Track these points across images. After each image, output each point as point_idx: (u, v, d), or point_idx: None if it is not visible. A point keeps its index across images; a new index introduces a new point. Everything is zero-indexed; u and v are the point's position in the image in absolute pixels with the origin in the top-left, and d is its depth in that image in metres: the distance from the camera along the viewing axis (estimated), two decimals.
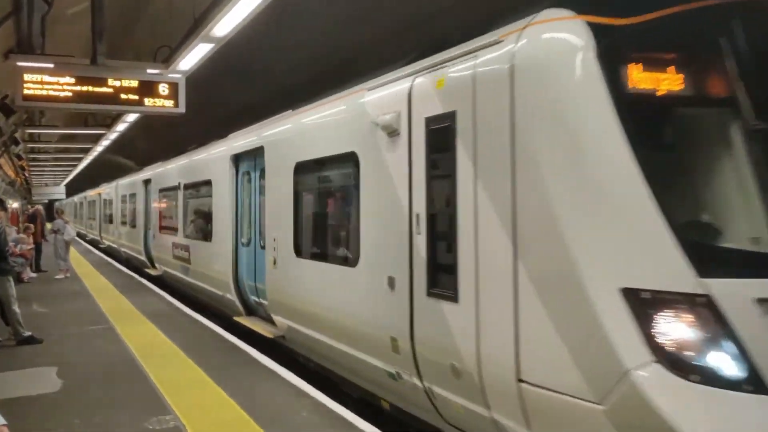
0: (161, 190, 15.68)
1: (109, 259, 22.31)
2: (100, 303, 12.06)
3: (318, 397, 5.96)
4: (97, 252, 26.41)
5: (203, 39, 7.26)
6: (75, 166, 35.30)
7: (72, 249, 19.04)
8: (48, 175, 47.10)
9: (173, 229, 13.99)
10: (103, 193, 28.44)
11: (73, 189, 50.58)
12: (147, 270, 17.43)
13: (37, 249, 18.14)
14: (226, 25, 6.87)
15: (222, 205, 10.38)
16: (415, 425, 5.55)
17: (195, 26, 7.35)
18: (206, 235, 11.48)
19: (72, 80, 6.68)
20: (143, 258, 17.89)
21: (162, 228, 15.52)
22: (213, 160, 11.18)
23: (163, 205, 15.60)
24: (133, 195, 20.03)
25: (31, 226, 17.28)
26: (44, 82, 6.56)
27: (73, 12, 9.51)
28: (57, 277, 16.42)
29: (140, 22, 11.75)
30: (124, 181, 22.75)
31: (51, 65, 6.68)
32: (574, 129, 3.68)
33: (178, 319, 10.37)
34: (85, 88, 6.71)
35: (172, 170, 14.79)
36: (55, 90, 6.57)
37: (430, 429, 5.30)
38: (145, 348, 8.17)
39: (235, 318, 9.62)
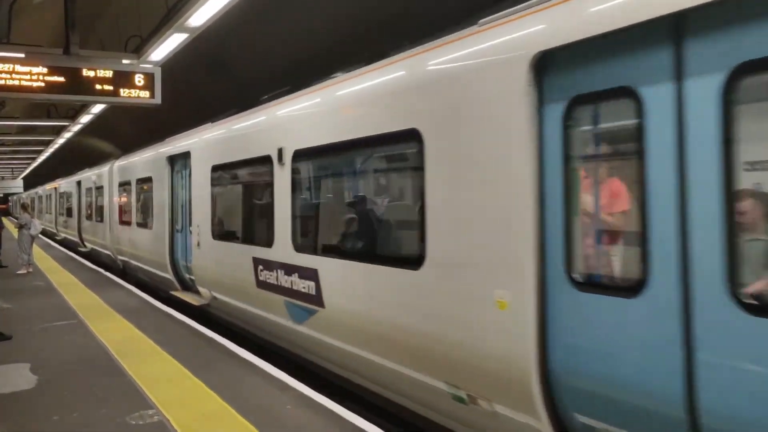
0: (219, 169, 9.25)
1: (74, 255, 21.79)
2: (68, 298, 11.81)
3: (302, 390, 5.97)
4: (59, 247, 25.74)
5: (178, 29, 7.18)
6: (34, 158, 34.46)
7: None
8: (5, 169, 45.86)
9: (260, 236, 7.90)
10: (85, 182, 21.77)
11: (31, 182, 49.30)
12: (176, 294, 11.20)
13: None
14: (202, 14, 6.81)
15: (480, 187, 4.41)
16: (398, 413, 5.59)
17: (169, 16, 7.26)
18: (389, 255, 5.64)
19: (44, 70, 6.52)
20: (167, 275, 11.84)
21: (223, 233, 9.24)
22: (428, 88, 4.96)
23: (228, 194, 9.43)
24: (144, 180, 13.63)
25: None
26: (15, 71, 6.39)
27: (39, 1, 9.30)
28: (19, 272, 15.99)
29: (106, 12, 11.55)
30: (126, 162, 15.98)
31: (22, 55, 6.51)
32: None
33: (150, 313, 10.21)
34: (58, 79, 6.56)
35: (249, 132, 8.27)
36: (27, 80, 6.41)
37: (411, 415, 5.32)
38: (120, 343, 8.04)
39: None
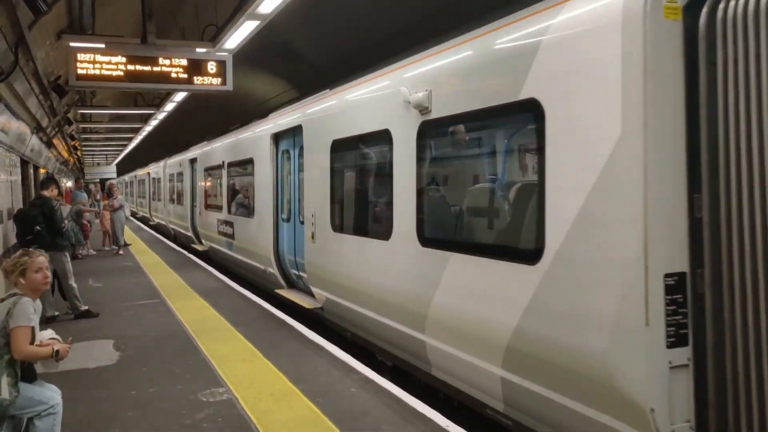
0: None
1: (160, 237, 22.82)
2: (153, 278, 12.39)
3: (367, 374, 6.00)
4: (148, 230, 27.02)
5: (249, 16, 7.30)
6: (125, 145, 36.24)
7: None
8: (99, 155, 48.54)
9: None
10: (219, 150, 14.51)
11: (123, 168, 52.02)
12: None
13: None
14: (271, 1, 6.89)
15: None
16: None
17: (241, 4, 7.38)
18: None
19: (123, 59, 6.80)
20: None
21: None
22: None
23: None
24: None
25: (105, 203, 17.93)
26: (96, 61, 6.69)
27: None
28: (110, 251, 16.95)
29: (186, 2, 11.88)
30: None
31: (102, 45, 6.80)
32: None
33: (227, 294, 10.56)
34: (136, 67, 6.83)
35: None
36: (107, 69, 6.71)
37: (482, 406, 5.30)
38: (197, 322, 8.36)
39: None
